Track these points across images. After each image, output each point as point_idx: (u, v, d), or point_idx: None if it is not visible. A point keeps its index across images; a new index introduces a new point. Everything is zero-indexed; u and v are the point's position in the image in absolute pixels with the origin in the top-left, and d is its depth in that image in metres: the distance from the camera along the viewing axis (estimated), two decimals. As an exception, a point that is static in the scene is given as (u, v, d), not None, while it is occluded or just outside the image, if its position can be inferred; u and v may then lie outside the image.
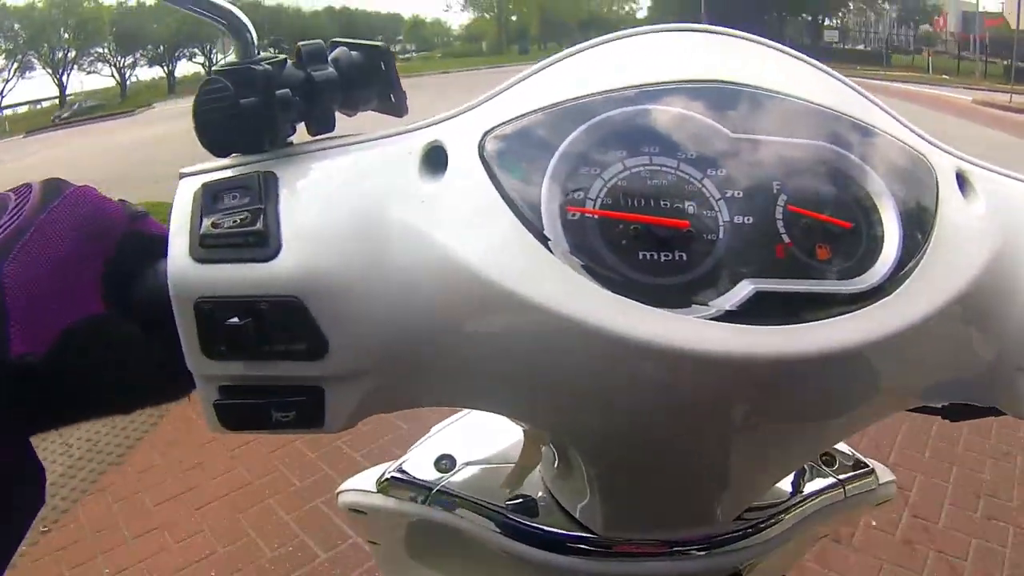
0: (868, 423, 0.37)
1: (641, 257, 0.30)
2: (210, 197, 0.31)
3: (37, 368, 0.29)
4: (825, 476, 0.51)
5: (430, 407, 0.35)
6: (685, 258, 0.30)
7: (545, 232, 0.30)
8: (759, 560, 0.50)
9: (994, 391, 0.37)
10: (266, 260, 0.30)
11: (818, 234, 0.31)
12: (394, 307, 0.31)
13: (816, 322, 0.29)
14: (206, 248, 0.30)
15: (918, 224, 0.32)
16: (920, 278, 0.31)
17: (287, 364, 0.31)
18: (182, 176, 0.33)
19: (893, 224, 0.32)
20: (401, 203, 0.32)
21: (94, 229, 0.32)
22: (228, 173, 0.33)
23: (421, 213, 0.31)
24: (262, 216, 0.30)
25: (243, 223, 0.30)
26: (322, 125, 0.35)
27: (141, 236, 0.34)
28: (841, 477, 0.51)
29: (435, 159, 0.33)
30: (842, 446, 0.54)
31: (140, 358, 0.32)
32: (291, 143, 0.35)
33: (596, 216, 0.30)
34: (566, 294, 0.29)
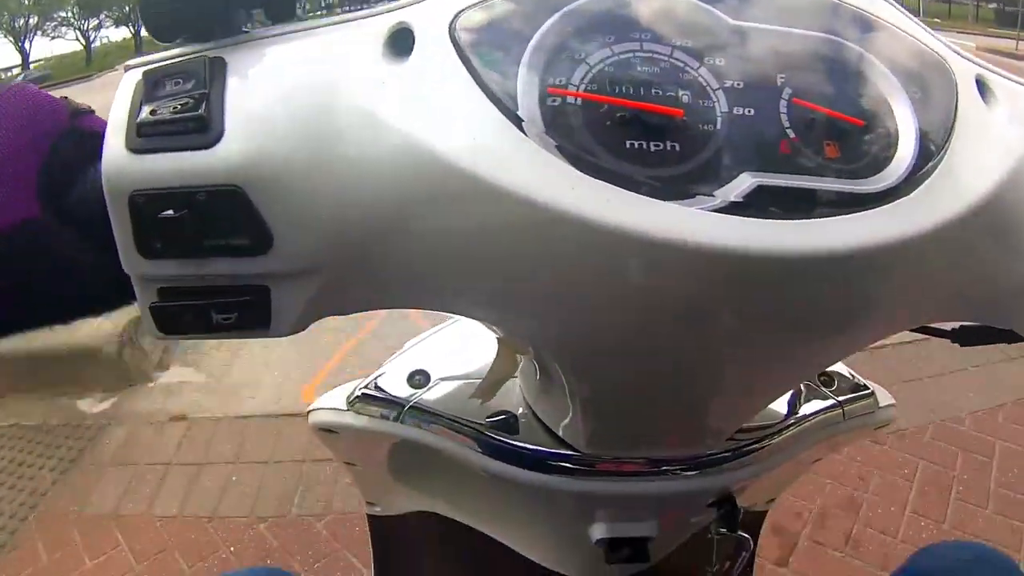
0: (873, 339, 0.33)
1: (629, 146, 0.27)
2: (151, 84, 0.29)
3: None
4: (824, 398, 0.48)
5: (390, 310, 0.32)
6: (677, 148, 0.27)
7: (519, 113, 0.27)
8: (751, 482, 0.48)
9: (1012, 312, 0.34)
10: (206, 147, 0.27)
11: (826, 130, 0.28)
12: (346, 197, 0.28)
13: (824, 219, 0.27)
14: (143, 137, 0.27)
15: (936, 126, 0.30)
16: (938, 182, 0.29)
17: (229, 261, 0.28)
18: (127, 69, 0.30)
19: (909, 124, 0.29)
20: (359, 86, 0.29)
21: (31, 125, 0.30)
22: (174, 61, 0.30)
23: (381, 97, 0.28)
24: (205, 101, 0.27)
25: (184, 109, 0.27)
26: (282, 10, 0.32)
27: (82, 133, 0.31)
28: (840, 399, 0.48)
29: (400, 42, 0.30)
30: (841, 367, 0.51)
31: (77, 264, 0.30)
32: (247, 31, 0.31)
33: (579, 100, 0.27)
34: (541, 179, 0.26)
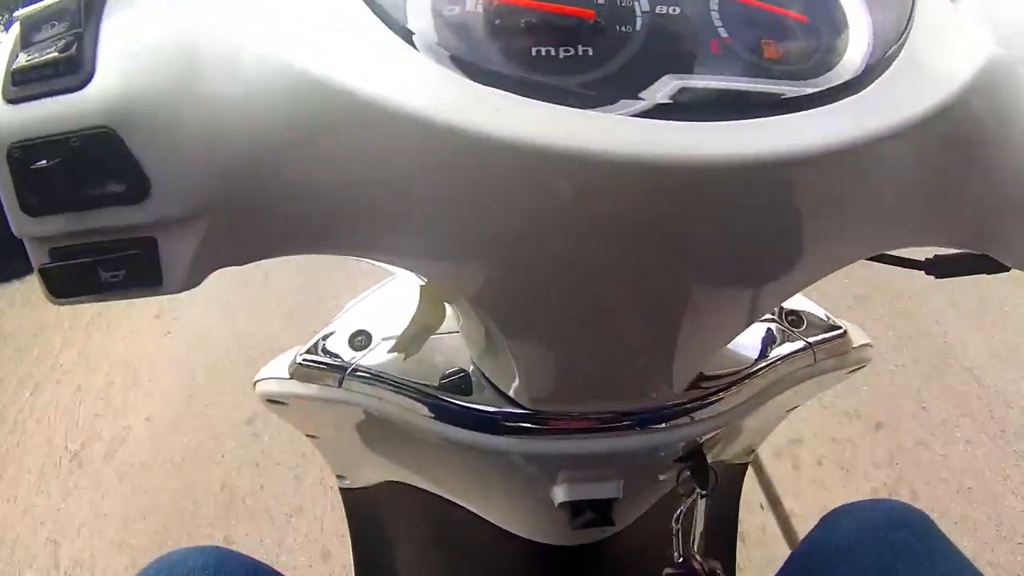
0: (832, 263, 0.31)
1: (535, 53, 0.24)
2: (28, 29, 0.27)
3: None
4: (793, 340, 0.45)
5: (289, 256, 0.30)
6: (591, 52, 0.24)
7: (409, 26, 0.24)
8: (721, 433, 0.45)
9: (983, 235, 0.32)
10: (77, 88, 0.25)
11: (765, 28, 0.26)
12: (223, 133, 0.26)
13: (760, 119, 0.24)
14: (18, 86, 0.25)
15: (891, 22, 0.27)
16: (893, 80, 0.26)
17: (109, 211, 0.26)
18: (15, 19, 0.28)
19: (860, 20, 0.27)
20: (231, 13, 0.26)
21: None
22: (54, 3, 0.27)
23: (255, 22, 0.26)
24: (78, 42, 0.25)
25: (56, 51, 0.25)
26: None
27: None
28: (811, 340, 0.46)
29: None
30: (811, 306, 0.48)
31: None
32: None
33: (478, 5, 0.24)
34: (435, 96, 0.23)
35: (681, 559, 0.46)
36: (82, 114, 0.25)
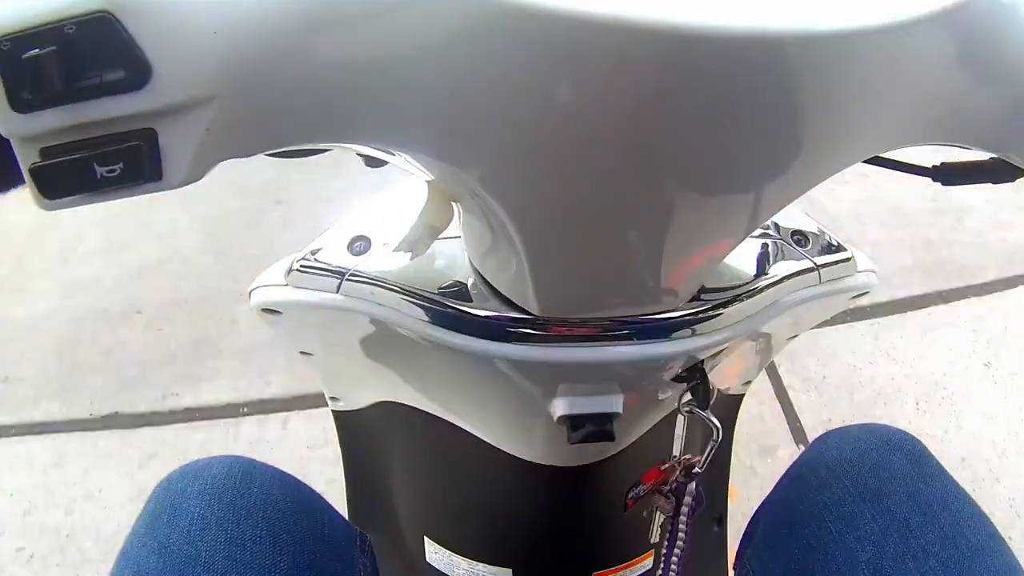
0: (836, 162, 0.30)
1: None
2: None
3: None
4: (798, 258, 0.45)
5: (300, 145, 0.28)
6: None
7: None
8: (722, 353, 0.45)
9: (1001, 134, 0.31)
10: None
11: None
12: (230, 5, 0.24)
13: None
14: None
15: None
16: None
17: (106, 102, 0.25)
18: None
19: None
20: None
21: None
22: None
23: None
24: None
25: None
26: None
27: None
28: (816, 260, 0.45)
29: None
30: (816, 227, 0.47)
31: None
32: None
33: None
34: None
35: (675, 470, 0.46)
36: (78, 0, 0.23)
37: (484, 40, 0.23)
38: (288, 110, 0.27)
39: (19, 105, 0.24)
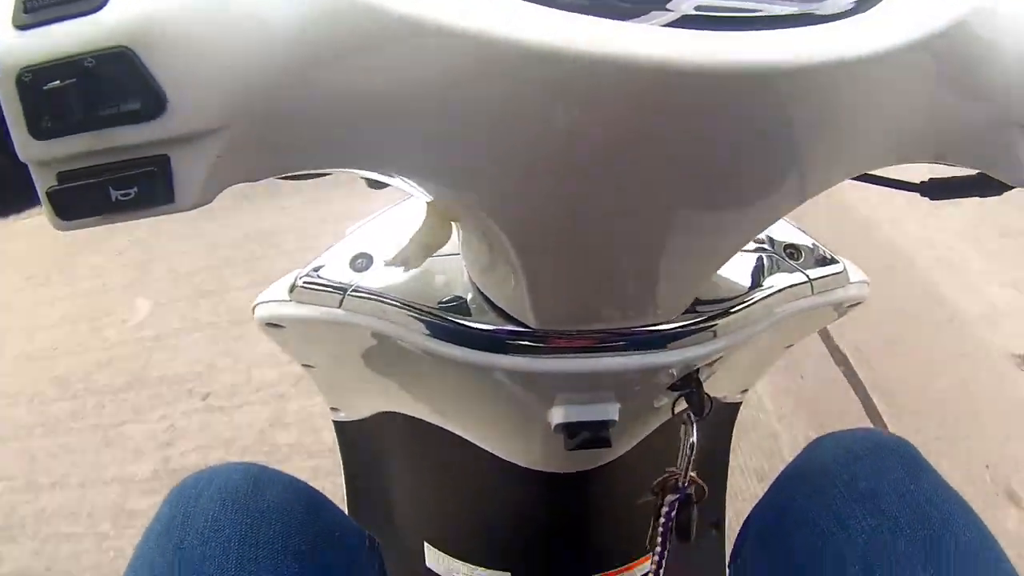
0: (825, 179, 0.31)
1: None
2: None
3: None
4: (790, 271, 0.46)
5: (304, 171, 0.29)
6: None
7: None
8: (715, 364, 0.46)
9: (986, 152, 0.32)
10: (92, 11, 0.25)
11: None
12: (241, 44, 0.25)
13: (778, 31, 0.24)
14: (29, 13, 0.25)
15: None
16: (897, 4, 0.26)
17: (122, 130, 0.26)
18: None
19: None
20: None
21: None
22: None
23: None
24: None
25: None
26: None
27: None
28: (809, 273, 0.46)
29: None
30: (810, 241, 0.49)
31: None
32: None
33: None
34: (466, 5, 0.23)
35: (674, 479, 0.47)
36: (97, 36, 0.25)
37: (480, 77, 0.24)
38: (295, 139, 0.28)
39: (38, 132, 0.26)
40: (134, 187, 0.27)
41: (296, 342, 0.50)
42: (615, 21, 0.23)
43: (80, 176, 0.27)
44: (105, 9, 0.25)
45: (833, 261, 0.48)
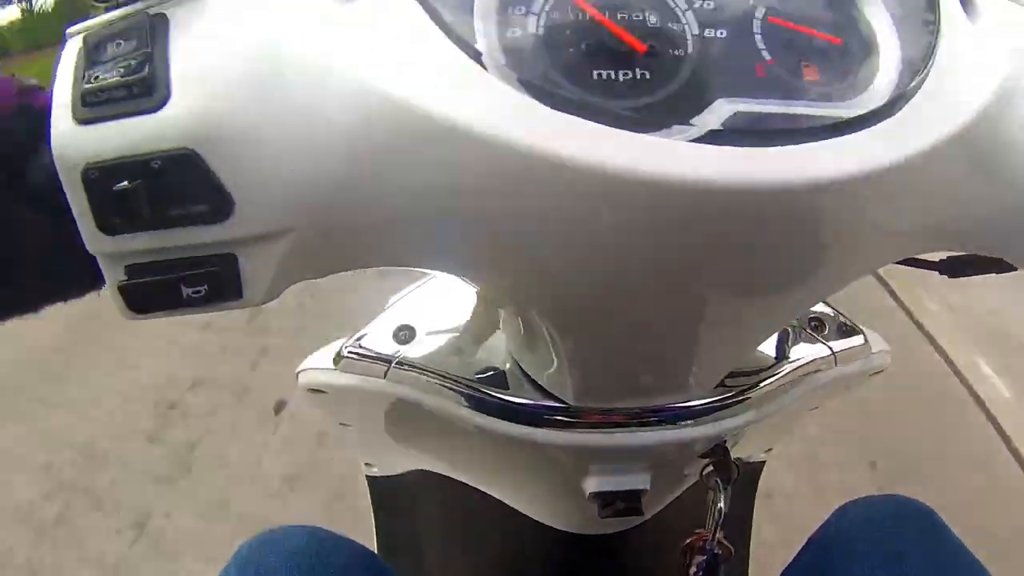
0: (860, 272, 0.33)
1: (596, 76, 0.26)
2: (93, 48, 0.27)
3: None
4: (814, 342, 0.47)
5: (366, 268, 0.31)
6: (648, 76, 0.26)
7: (478, 47, 0.26)
8: (744, 431, 0.47)
9: (1001, 239, 0.34)
10: (153, 110, 0.25)
11: (804, 50, 0.28)
12: (305, 150, 0.27)
13: (806, 145, 0.25)
14: (89, 107, 0.26)
15: (918, 43, 0.29)
16: (921, 104, 0.27)
17: (191, 230, 0.27)
18: (69, 35, 0.28)
19: (890, 42, 0.29)
20: (306, 32, 0.27)
21: None
22: (114, 20, 0.28)
23: (330, 41, 0.27)
24: (148, 62, 0.26)
25: (127, 72, 0.26)
26: None
27: (32, 110, 0.29)
28: (832, 344, 0.48)
29: None
30: (832, 311, 0.50)
31: (37, 245, 0.29)
32: None
33: (541, 29, 0.26)
34: (506, 116, 0.25)
35: (701, 541, 0.48)
36: (161, 136, 0.25)
37: (518, 187, 0.26)
38: (357, 241, 0.29)
39: (107, 228, 0.26)
40: (205, 285, 0.28)
41: (337, 406, 0.52)
42: (649, 136, 0.24)
43: (150, 271, 0.27)
44: (167, 107, 0.25)
45: (856, 332, 0.50)
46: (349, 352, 0.46)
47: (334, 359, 0.47)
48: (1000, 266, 0.42)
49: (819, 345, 0.47)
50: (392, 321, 0.47)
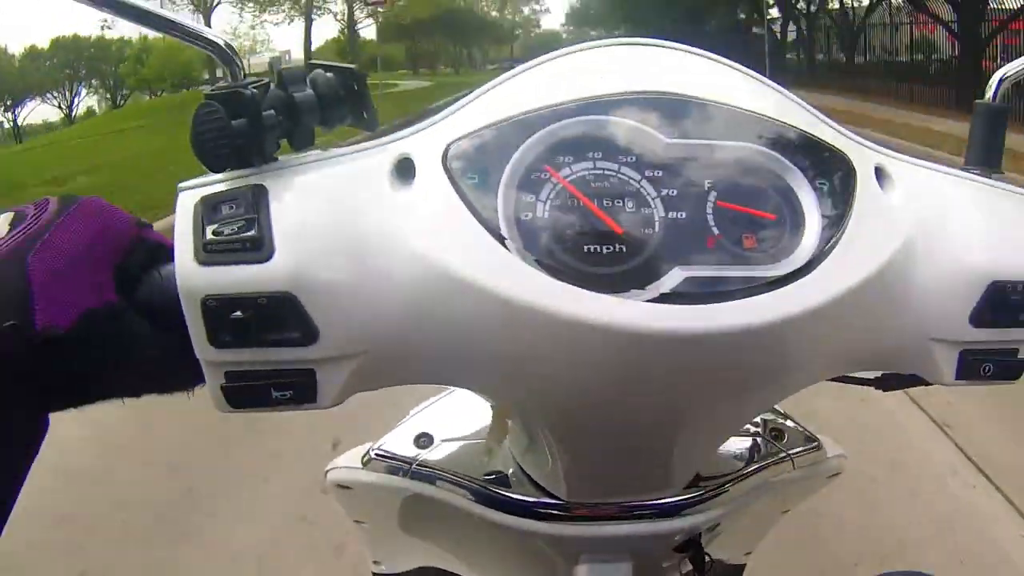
0: (796, 389, 0.40)
1: (586, 250, 0.34)
2: (209, 208, 0.35)
3: (59, 341, 0.32)
4: (774, 451, 0.55)
5: (411, 384, 0.39)
6: (624, 249, 0.34)
7: (502, 232, 0.34)
8: (717, 529, 0.54)
9: (911, 360, 0.41)
10: (262, 262, 0.33)
11: (745, 225, 0.35)
12: (374, 299, 0.35)
13: (743, 299, 0.33)
14: (209, 253, 0.33)
15: (835, 215, 0.36)
16: (834, 262, 0.35)
17: (284, 350, 0.34)
18: (181, 190, 0.36)
19: (813, 215, 0.36)
20: (377, 209, 0.36)
21: (106, 233, 0.36)
22: (222, 187, 0.36)
23: (395, 218, 0.35)
24: (256, 224, 0.34)
25: (240, 230, 0.34)
26: (303, 141, 0.39)
27: (147, 242, 0.38)
28: (790, 451, 0.55)
29: (405, 169, 0.37)
30: (791, 422, 0.58)
31: (150, 347, 0.36)
32: (276, 158, 0.38)
33: (546, 215, 0.34)
34: (522, 286, 0.33)
35: None
36: (269, 282, 0.33)
37: (520, 334, 0.33)
38: (406, 366, 0.38)
39: (216, 343, 0.34)
40: (290, 390, 0.35)
41: (358, 502, 0.59)
42: (621, 297, 0.32)
43: (245, 377, 0.35)
44: (273, 261, 0.33)
45: (812, 439, 0.57)
46: (376, 454, 0.54)
47: (362, 459, 0.54)
48: (922, 381, 0.50)
49: (778, 451, 0.55)
50: (412, 429, 0.55)
